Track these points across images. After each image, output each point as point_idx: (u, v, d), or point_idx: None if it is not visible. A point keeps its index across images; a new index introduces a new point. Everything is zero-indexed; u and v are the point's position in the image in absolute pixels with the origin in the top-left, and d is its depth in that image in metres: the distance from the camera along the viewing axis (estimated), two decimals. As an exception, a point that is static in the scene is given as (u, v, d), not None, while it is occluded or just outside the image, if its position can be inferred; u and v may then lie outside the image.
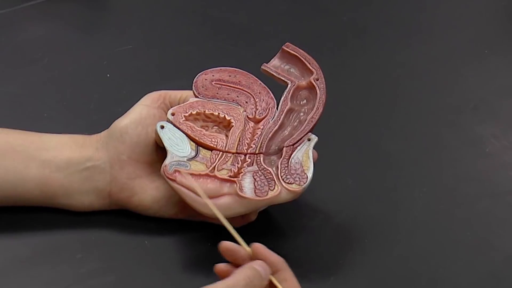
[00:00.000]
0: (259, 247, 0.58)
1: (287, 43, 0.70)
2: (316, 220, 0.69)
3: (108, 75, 0.84)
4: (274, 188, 0.63)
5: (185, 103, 0.67)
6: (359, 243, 0.62)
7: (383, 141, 0.78)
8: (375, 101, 0.83)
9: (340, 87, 0.81)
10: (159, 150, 0.66)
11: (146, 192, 0.66)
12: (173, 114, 0.66)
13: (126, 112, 0.67)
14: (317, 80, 0.68)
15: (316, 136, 0.66)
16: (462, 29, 0.94)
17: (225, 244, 0.58)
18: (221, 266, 0.58)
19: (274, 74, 0.69)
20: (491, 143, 0.79)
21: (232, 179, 0.63)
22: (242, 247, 0.58)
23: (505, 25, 0.97)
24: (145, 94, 0.69)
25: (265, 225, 0.68)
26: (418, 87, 0.86)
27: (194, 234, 0.67)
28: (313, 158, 0.65)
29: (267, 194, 0.62)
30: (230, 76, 0.69)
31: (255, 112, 0.67)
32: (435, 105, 0.83)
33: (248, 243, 0.67)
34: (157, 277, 0.65)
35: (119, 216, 0.67)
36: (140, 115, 0.66)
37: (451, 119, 0.82)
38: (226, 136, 0.66)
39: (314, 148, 0.65)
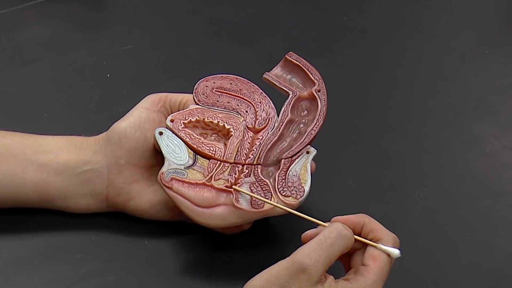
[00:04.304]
0: (336, 218, 0.59)
1: (290, 52, 0.70)
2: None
3: (108, 75, 0.84)
4: (270, 200, 0.63)
5: (184, 110, 0.67)
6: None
7: (383, 141, 0.79)
8: (375, 101, 0.83)
9: (340, 87, 0.82)
10: (158, 154, 0.66)
11: (143, 197, 0.66)
12: (172, 121, 0.66)
13: (126, 112, 0.67)
14: (319, 91, 0.67)
15: (315, 149, 0.65)
16: (462, 29, 0.95)
17: (307, 234, 0.60)
18: (309, 233, 0.60)
19: (276, 83, 0.68)
20: (491, 143, 0.79)
21: (229, 189, 0.63)
22: (322, 227, 0.59)
23: (505, 25, 0.97)
24: (145, 95, 0.69)
25: (265, 225, 0.68)
26: (418, 87, 0.86)
27: (194, 235, 0.67)
28: (311, 170, 0.65)
29: (263, 206, 0.62)
30: (231, 84, 0.69)
31: (255, 122, 0.67)
32: (435, 105, 0.83)
33: (248, 244, 0.67)
34: (156, 278, 0.64)
35: (119, 217, 0.67)
36: (140, 119, 0.66)
37: (451, 119, 0.82)
38: (225, 145, 0.66)
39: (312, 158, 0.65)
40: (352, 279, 0.57)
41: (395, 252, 0.58)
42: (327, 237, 0.57)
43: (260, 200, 0.62)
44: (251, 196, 0.63)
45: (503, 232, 0.70)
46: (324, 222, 0.60)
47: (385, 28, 0.94)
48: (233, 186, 0.63)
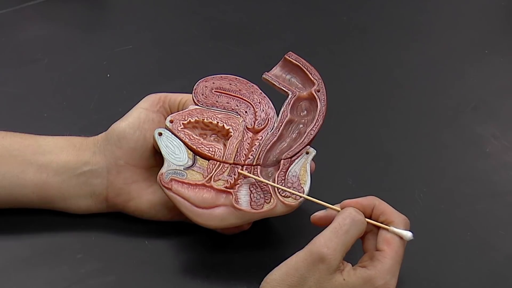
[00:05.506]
0: (346, 202, 0.61)
1: (290, 52, 0.70)
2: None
3: (108, 75, 0.84)
4: (270, 201, 0.63)
5: (184, 111, 0.67)
6: (359, 243, 0.62)
7: (383, 141, 0.79)
8: (375, 101, 0.83)
9: (340, 87, 0.82)
10: (157, 155, 0.66)
11: (142, 197, 0.66)
12: (171, 121, 0.66)
13: (126, 112, 0.67)
14: (318, 91, 0.67)
15: (315, 149, 0.65)
16: (462, 29, 0.94)
17: (316, 215, 0.62)
18: (317, 215, 0.62)
19: (275, 83, 0.68)
20: (491, 143, 0.79)
21: (228, 190, 0.63)
22: (332, 210, 0.61)
23: (505, 25, 0.97)
24: (145, 94, 0.69)
25: (265, 225, 0.68)
26: (418, 87, 0.86)
27: (194, 235, 0.67)
28: (310, 170, 0.65)
29: (262, 207, 0.62)
30: (230, 84, 0.69)
31: (254, 123, 0.67)
32: (435, 105, 0.83)
33: (247, 245, 0.67)
34: (156, 278, 0.65)
35: (119, 217, 0.67)
36: (139, 120, 0.66)
37: (451, 119, 0.82)
38: (224, 145, 0.66)
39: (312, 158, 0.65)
40: (370, 266, 0.58)
41: (408, 234, 0.59)
42: (341, 225, 0.58)
43: (281, 188, 0.63)
44: (250, 196, 0.63)
45: (503, 232, 0.70)
46: (333, 207, 0.61)
47: (385, 28, 0.94)
48: (239, 171, 0.63)
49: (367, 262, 0.59)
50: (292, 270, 0.57)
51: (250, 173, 0.64)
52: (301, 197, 0.62)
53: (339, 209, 0.61)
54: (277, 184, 0.63)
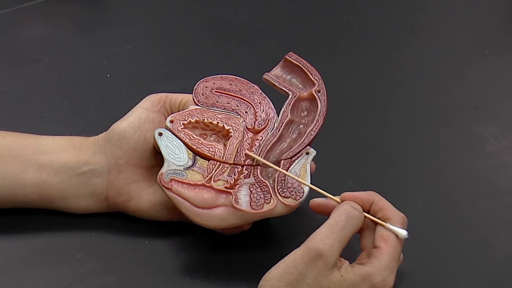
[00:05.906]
0: (346, 194, 0.61)
1: (290, 52, 0.70)
2: (316, 220, 0.69)
3: (108, 75, 0.84)
4: (270, 202, 0.63)
5: (184, 111, 0.67)
6: (359, 243, 0.62)
7: (383, 141, 0.79)
8: (375, 101, 0.83)
9: (340, 87, 0.82)
10: (157, 155, 0.66)
11: (142, 197, 0.66)
12: (171, 122, 0.66)
13: (126, 112, 0.67)
14: (319, 92, 0.67)
15: (315, 149, 0.65)
16: (462, 29, 0.95)
17: (315, 201, 0.63)
18: (316, 201, 0.63)
19: (276, 84, 0.68)
20: (491, 143, 0.79)
21: (228, 190, 0.63)
22: (331, 200, 0.62)
23: (505, 25, 0.97)
24: (145, 95, 0.69)
25: (265, 226, 0.68)
26: (418, 87, 0.86)
27: (194, 235, 0.67)
28: (311, 170, 0.65)
29: (262, 207, 0.62)
30: (231, 84, 0.69)
31: (255, 123, 0.67)
32: (435, 105, 0.83)
33: (247, 245, 0.67)
34: (156, 278, 0.65)
35: (120, 217, 0.67)
36: (139, 120, 0.66)
37: (451, 119, 0.82)
38: (224, 145, 0.66)
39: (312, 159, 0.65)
40: (367, 263, 0.58)
41: (403, 233, 0.59)
42: (337, 221, 0.59)
43: (295, 179, 0.63)
44: (250, 197, 0.63)
45: (503, 232, 0.70)
46: (334, 197, 0.62)
47: (385, 28, 0.94)
48: (247, 152, 0.64)
49: (364, 259, 0.59)
50: (290, 267, 0.57)
51: (250, 174, 0.64)
52: (304, 184, 0.63)
53: (339, 200, 0.61)
54: (277, 184, 0.63)
